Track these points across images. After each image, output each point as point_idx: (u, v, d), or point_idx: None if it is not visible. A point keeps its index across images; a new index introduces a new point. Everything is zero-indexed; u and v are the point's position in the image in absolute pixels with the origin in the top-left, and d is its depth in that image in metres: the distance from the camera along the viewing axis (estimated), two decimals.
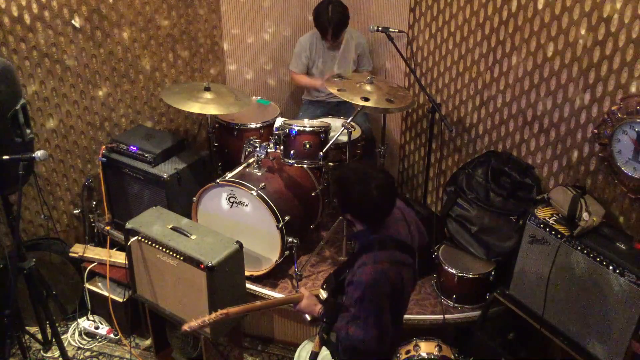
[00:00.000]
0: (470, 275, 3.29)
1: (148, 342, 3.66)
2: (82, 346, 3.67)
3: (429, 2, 3.77)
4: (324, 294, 2.48)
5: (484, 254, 3.32)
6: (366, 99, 3.26)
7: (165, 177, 3.55)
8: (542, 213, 2.89)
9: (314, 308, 2.45)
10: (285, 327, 3.59)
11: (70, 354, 3.56)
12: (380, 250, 2.28)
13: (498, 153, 3.43)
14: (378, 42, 4.28)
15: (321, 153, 3.37)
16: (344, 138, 3.41)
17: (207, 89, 3.61)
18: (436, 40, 3.79)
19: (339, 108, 4.20)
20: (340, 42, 4.10)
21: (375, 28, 3.70)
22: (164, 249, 3.00)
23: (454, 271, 3.30)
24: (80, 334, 3.72)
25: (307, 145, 3.36)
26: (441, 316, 3.30)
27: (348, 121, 3.31)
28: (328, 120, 3.84)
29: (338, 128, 3.45)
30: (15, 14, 3.38)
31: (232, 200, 3.41)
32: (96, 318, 3.76)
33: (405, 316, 3.30)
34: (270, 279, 3.54)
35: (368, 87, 3.39)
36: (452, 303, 3.38)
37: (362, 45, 4.17)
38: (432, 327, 3.31)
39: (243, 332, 3.60)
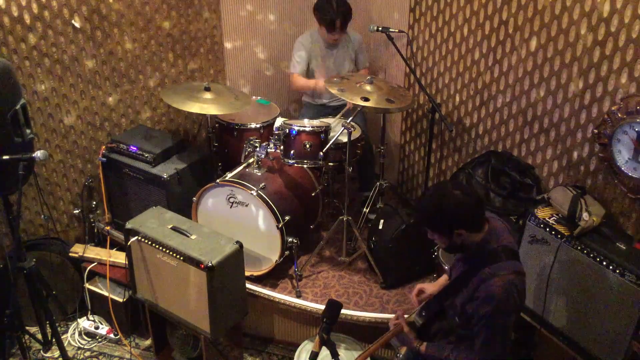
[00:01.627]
0: None
1: (148, 342, 3.65)
2: (82, 346, 3.66)
3: (429, 2, 3.77)
4: (419, 320, 2.42)
5: None
6: (366, 99, 3.26)
7: (165, 177, 3.55)
8: (542, 213, 2.89)
9: (411, 339, 2.41)
10: (286, 327, 3.59)
11: (70, 354, 3.55)
12: (505, 261, 2.21)
13: (498, 153, 3.43)
14: (378, 42, 4.28)
15: (321, 153, 3.37)
16: (344, 138, 3.41)
17: (207, 89, 3.61)
18: (436, 40, 3.79)
19: (339, 112, 4.19)
20: (337, 41, 4.09)
21: (375, 28, 3.69)
22: (164, 249, 3.00)
23: None
24: (80, 334, 3.72)
25: (307, 145, 3.36)
26: None
27: (348, 121, 3.31)
28: (328, 120, 3.83)
29: (338, 128, 3.45)
30: (16, 14, 3.38)
31: (232, 200, 3.41)
32: (96, 318, 3.75)
33: (405, 316, 3.32)
34: (270, 279, 3.54)
35: (368, 87, 3.39)
36: None
37: (359, 41, 4.16)
38: None
39: (243, 332, 3.60)
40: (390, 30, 3.68)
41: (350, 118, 3.36)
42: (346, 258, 3.69)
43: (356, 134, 3.74)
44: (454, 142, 3.84)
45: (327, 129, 3.43)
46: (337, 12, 3.84)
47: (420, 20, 3.89)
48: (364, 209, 3.85)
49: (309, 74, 4.20)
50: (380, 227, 3.50)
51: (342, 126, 3.33)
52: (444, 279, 2.65)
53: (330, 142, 3.39)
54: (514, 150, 3.41)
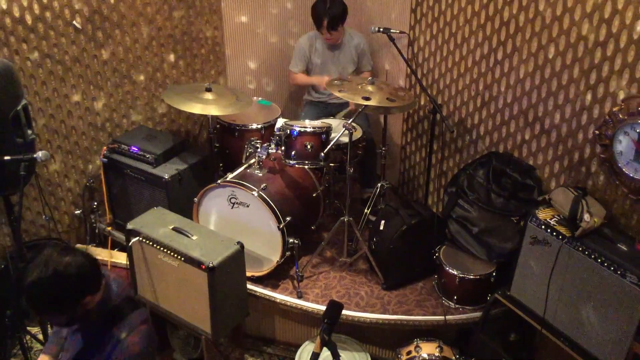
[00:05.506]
0: (471, 276, 3.28)
1: None
2: None
3: (430, 2, 3.77)
4: None
5: (485, 255, 3.32)
6: (367, 99, 3.26)
7: (166, 177, 3.55)
8: (543, 214, 2.89)
9: None
10: (287, 328, 3.59)
11: None
12: (131, 313, 2.05)
13: (499, 154, 3.43)
14: (379, 43, 4.28)
15: (322, 154, 3.37)
16: (345, 139, 3.40)
17: (208, 90, 3.61)
18: (437, 41, 3.79)
19: (341, 109, 4.19)
20: (339, 42, 4.10)
21: (376, 29, 3.69)
22: (165, 250, 3.00)
23: (455, 272, 3.30)
24: None
25: (308, 146, 3.36)
26: (442, 317, 3.30)
27: (349, 122, 3.31)
28: (329, 121, 3.83)
29: (339, 129, 3.45)
30: (17, 14, 3.39)
31: (233, 200, 3.41)
32: None
33: (406, 317, 3.32)
34: (271, 279, 3.54)
35: (369, 88, 3.39)
36: (453, 304, 3.38)
37: (362, 45, 4.17)
38: (433, 328, 3.31)
39: (244, 332, 3.60)
40: (391, 31, 3.68)
41: (352, 119, 3.36)
42: (347, 259, 3.70)
43: (357, 134, 3.74)
44: (455, 143, 3.84)
45: (328, 130, 3.43)
46: (326, 12, 3.85)
47: (422, 21, 3.89)
48: (365, 210, 3.85)
49: (309, 73, 4.21)
50: (382, 228, 3.50)
51: (343, 127, 3.33)
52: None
53: (331, 143, 3.39)
54: (515, 151, 3.41)
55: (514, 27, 3.22)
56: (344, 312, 3.29)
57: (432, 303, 3.43)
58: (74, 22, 3.60)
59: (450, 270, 3.32)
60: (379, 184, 3.84)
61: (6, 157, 2.74)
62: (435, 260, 3.44)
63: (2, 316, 3.07)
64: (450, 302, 3.40)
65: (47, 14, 3.49)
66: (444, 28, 3.70)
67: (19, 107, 2.85)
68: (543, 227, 2.85)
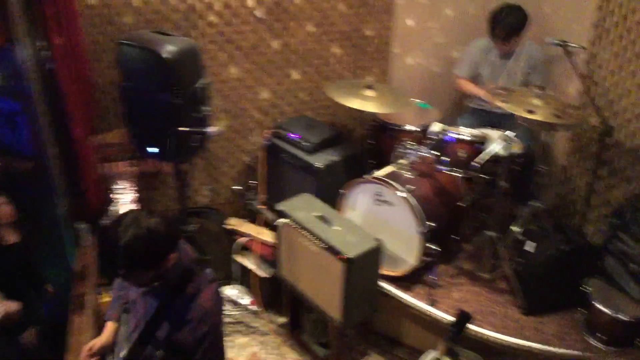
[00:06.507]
0: (623, 317, 3.00)
1: (283, 319, 3.82)
2: (225, 312, 3.92)
3: (615, 18, 3.48)
4: None
5: None
6: (531, 112, 3.10)
7: (318, 166, 3.69)
8: None
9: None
10: (414, 332, 3.56)
11: None
12: (201, 272, 2.20)
13: None
14: (554, 56, 4.04)
15: (475, 163, 3.27)
16: (503, 152, 3.27)
17: (370, 87, 3.68)
18: (620, 59, 3.49)
19: (502, 120, 4.03)
20: (512, 51, 3.93)
21: (554, 41, 3.49)
22: (307, 235, 3.12)
23: (607, 310, 3.04)
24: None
25: (461, 154, 3.29)
26: (584, 354, 3.07)
27: (508, 134, 3.17)
28: (488, 131, 3.71)
29: (498, 141, 3.33)
30: (208, 0, 3.71)
31: (378, 198, 3.44)
32: (241, 288, 3.99)
33: (544, 347, 3.14)
34: (405, 281, 3.53)
35: (535, 101, 3.22)
36: (598, 343, 3.12)
37: (536, 58, 3.95)
38: None
39: (372, 328, 3.63)
40: (569, 44, 3.45)
41: (514, 134, 3.22)
42: (487, 275, 3.56)
43: (516, 149, 3.57)
44: (626, 171, 3.52)
45: (483, 140, 3.32)
46: (503, 22, 3.70)
47: (605, 37, 3.60)
48: (513, 228, 3.68)
49: (475, 79, 4.09)
50: (530, 249, 3.33)
51: (501, 139, 3.21)
52: (111, 327, 2.43)
53: (487, 154, 3.27)
54: None
55: None
56: (477, 329, 3.20)
57: (573, 337, 3.19)
58: (256, 11, 3.86)
59: (600, 307, 3.07)
60: (533, 204, 3.64)
61: (183, 129, 3.00)
62: (584, 293, 3.19)
63: None
64: (595, 341, 3.14)
65: (234, 2, 3.78)
66: (631, 45, 3.40)
67: (199, 84, 3.10)
68: None
